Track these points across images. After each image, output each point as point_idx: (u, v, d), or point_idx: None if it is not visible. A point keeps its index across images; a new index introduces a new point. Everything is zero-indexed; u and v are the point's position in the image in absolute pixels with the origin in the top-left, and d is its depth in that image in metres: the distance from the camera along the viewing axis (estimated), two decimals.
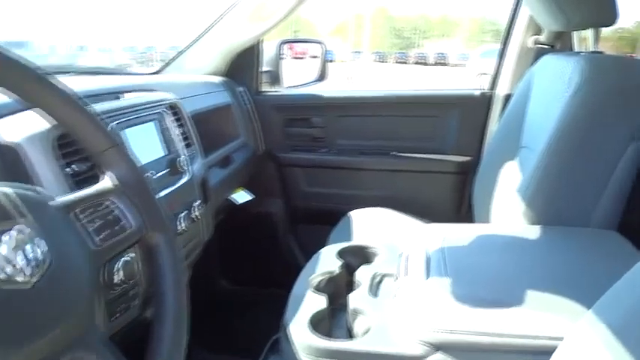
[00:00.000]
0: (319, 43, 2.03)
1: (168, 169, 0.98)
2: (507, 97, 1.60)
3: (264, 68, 1.83)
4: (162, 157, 0.98)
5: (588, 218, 1.04)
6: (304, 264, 1.94)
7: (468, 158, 1.70)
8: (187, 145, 1.10)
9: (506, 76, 1.64)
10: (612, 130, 1.02)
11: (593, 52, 1.17)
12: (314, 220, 1.87)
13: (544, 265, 0.88)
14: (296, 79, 1.99)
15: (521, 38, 1.58)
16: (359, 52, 24.10)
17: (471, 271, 0.88)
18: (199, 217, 1.04)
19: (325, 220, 1.78)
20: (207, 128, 1.49)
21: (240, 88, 1.72)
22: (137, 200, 0.58)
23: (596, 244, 0.97)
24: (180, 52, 1.70)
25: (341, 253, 1.11)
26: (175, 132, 1.04)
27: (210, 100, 1.49)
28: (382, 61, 30.85)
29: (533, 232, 1.01)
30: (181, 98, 1.23)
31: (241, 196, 1.52)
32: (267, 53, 1.81)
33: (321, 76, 1.98)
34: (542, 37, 1.52)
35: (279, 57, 1.83)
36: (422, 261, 0.93)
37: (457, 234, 1.02)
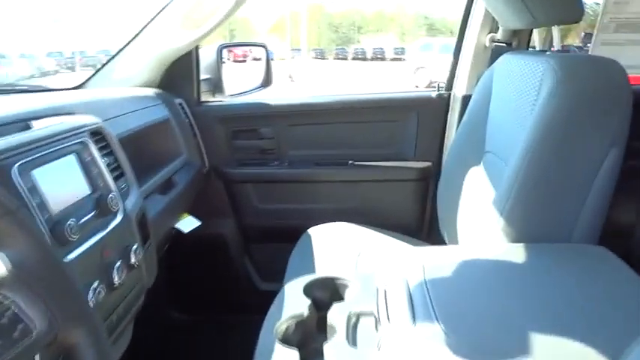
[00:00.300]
0: (262, 46, 1.88)
1: (95, 211, 0.81)
2: (466, 99, 1.52)
3: (204, 76, 1.66)
4: (87, 196, 0.80)
5: (570, 232, 0.97)
6: (262, 286, 1.81)
7: (428, 164, 1.62)
8: (118, 177, 0.93)
9: (464, 77, 1.56)
10: (591, 137, 0.95)
11: (560, 50, 1.10)
12: (270, 238, 1.73)
13: (543, 298, 0.79)
14: (239, 85, 1.84)
15: (477, 37, 1.51)
16: (298, 50, 23.96)
17: (462, 312, 0.77)
18: (139, 263, 0.88)
19: (282, 238, 1.65)
20: (142, 150, 1.31)
21: (178, 100, 1.54)
22: (42, 288, 0.42)
23: (588, 264, 0.89)
24: (107, 62, 1.51)
25: (307, 289, 0.98)
26: (101, 163, 0.87)
27: (144, 117, 1.31)
28: (322, 58, 30.85)
29: (519, 253, 0.92)
30: (108, 119, 1.06)
31: (188, 223, 1.35)
32: (206, 59, 1.64)
33: (267, 82, 1.84)
34: (499, 35, 1.45)
35: (219, 63, 1.67)
36: (404, 300, 0.81)
37: (437, 261, 0.91)
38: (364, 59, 30.68)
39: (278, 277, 1.48)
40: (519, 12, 1.09)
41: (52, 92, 1.31)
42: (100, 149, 0.91)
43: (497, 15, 1.25)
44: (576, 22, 1.07)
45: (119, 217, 0.86)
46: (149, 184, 1.18)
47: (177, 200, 1.31)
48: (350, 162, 1.63)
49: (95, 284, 0.74)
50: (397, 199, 1.63)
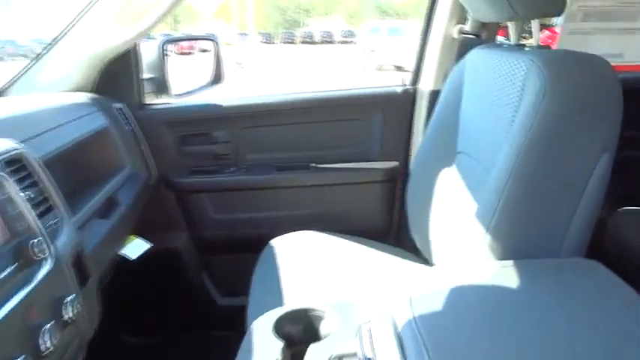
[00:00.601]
0: (211, 39, 1.71)
1: (15, 264, 0.65)
2: (433, 94, 1.43)
3: (146, 75, 1.48)
4: (2, 246, 0.65)
5: (560, 244, 0.89)
6: (221, 301, 1.68)
7: (395, 163, 1.52)
8: (44, 212, 0.77)
9: (430, 71, 1.47)
10: (582, 142, 0.87)
11: (540, 46, 1.02)
12: (228, 250, 1.59)
13: (543, 327, 0.70)
14: (186, 83, 1.67)
15: (444, 28, 1.41)
16: (245, 35, 23.37)
17: (457, 349, 0.68)
18: (75, 317, 0.73)
19: (242, 250, 1.52)
20: (77, 167, 1.14)
21: (118, 105, 1.37)
22: None
23: (587, 284, 0.82)
24: (31, 63, 1.31)
25: (278, 326, 0.86)
26: (21, 201, 0.71)
27: (78, 129, 1.14)
28: (269, 43, 30.28)
29: (511, 274, 0.83)
30: (30, 139, 0.89)
31: (136, 248, 1.19)
32: (148, 55, 1.46)
33: (218, 78, 1.68)
34: (467, 27, 1.36)
35: (162, 59, 1.49)
36: (391, 339, 0.71)
37: (423, 290, 0.81)
38: (313, 43, 30.40)
39: (238, 292, 1.36)
40: (496, 4, 1.00)
41: None
42: (19, 181, 0.74)
43: (469, 5, 1.15)
44: (557, 16, 0.99)
45: (48, 266, 0.70)
46: (86, 209, 1.02)
47: (121, 222, 1.15)
48: (312, 165, 1.52)
49: (19, 359, 0.59)
50: (363, 202, 1.54)
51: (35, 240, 0.69)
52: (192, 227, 1.56)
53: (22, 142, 0.87)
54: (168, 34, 1.90)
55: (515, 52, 1.00)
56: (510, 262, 0.88)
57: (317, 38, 31.53)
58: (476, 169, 1.06)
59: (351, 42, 25.37)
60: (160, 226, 1.54)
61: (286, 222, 1.52)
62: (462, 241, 0.99)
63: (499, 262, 0.90)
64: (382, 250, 1.31)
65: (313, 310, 0.90)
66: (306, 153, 1.53)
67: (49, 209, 0.79)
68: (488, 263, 0.89)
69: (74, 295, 0.74)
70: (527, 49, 1.03)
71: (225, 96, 1.54)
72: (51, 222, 0.77)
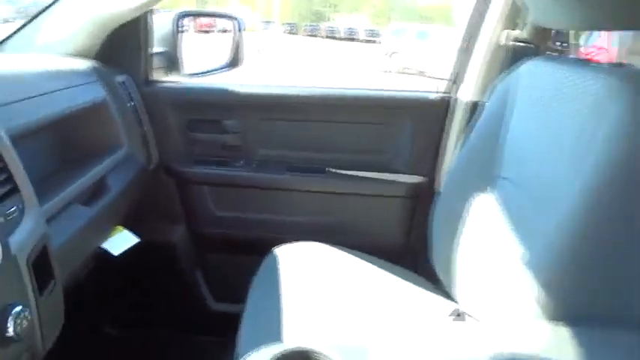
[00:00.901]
0: (232, 17, 1.57)
1: None
2: (473, 106, 1.27)
3: (157, 49, 1.34)
4: None
5: (631, 308, 0.73)
6: (214, 306, 1.53)
7: (420, 179, 1.37)
8: (3, 197, 0.63)
9: (471, 79, 1.31)
10: None
11: (615, 64, 0.86)
12: (227, 251, 1.45)
13: None
14: (201, 61, 1.53)
15: (493, 32, 1.25)
16: (269, 22, 23.18)
17: None
18: (22, 332, 0.59)
19: (242, 252, 1.38)
20: (64, 143, 1.01)
21: (121, 78, 1.23)
22: None
23: None
24: (30, 20, 1.17)
25: None
26: None
27: (70, 98, 1.00)
28: (293, 33, 30.04)
29: (572, 342, 0.68)
30: (3, 105, 0.75)
31: (121, 242, 1.05)
32: (161, 28, 1.32)
33: (236, 61, 1.53)
34: (523, 33, 1.20)
35: (177, 33, 1.35)
36: None
37: (456, 352, 0.66)
38: (336, 38, 30.14)
39: (233, 298, 1.23)
40: (573, 9, 0.84)
41: None
42: None
43: (534, 8, 0.99)
44: None
45: None
46: (66, 193, 0.88)
47: (107, 210, 1.01)
48: (328, 169, 1.37)
49: None
50: (381, 217, 1.39)
51: None
52: (190, 221, 1.42)
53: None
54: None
55: (584, 67, 0.84)
56: (564, 329, 0.72)
57: (341, 34, 31.26)
58: (524, 203, 0.90)
59: (375, 41, 25.13)
60: (155, 216, 1.40)
61: (293, 228, 1.37)
62: (497, 287, 0.84)
63: (556, 325, 0.74)
64: (398, 275, 1.16)
65: (317, 353, 0.75)
66: (322, 155, 1.38)
67: (9, 193, 0.64)
68: (539, 324, 0.74)
69: (23, 305, 0.59)
70: (605, 66, 0.86)
71: (242, 82, 1.39)
72: (10, 209, 0.63)
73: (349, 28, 32.48)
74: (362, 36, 31.13)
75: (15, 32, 1.17)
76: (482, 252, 0.95)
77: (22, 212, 0.65)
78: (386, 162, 1.38)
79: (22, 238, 0.63)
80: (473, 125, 1.12)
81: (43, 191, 0.83)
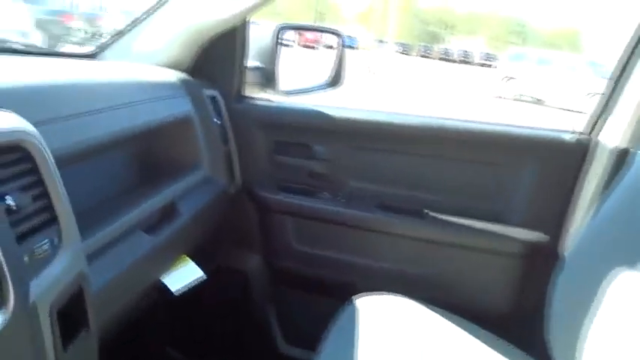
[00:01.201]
0: (335, 33, 1.44)
1: None
2: (621, 153, 1.01)
3: (253, 63, 1.25)
4: None
5: None
6: (284, 349, 1.40)
7: (541, 236, 1.12)
8: (37, 229, 0.53)
9: (621, 119, 1.05)
10: None
11: None
12: (304, 287, 1.31)
13: None
14: (299, 79, 1.42)
15: None
16: (383, 42, 23.18)
17: None
18: None
19: (320, 290, 1.24)
20: (140, 158, 0.94)
21: (211, 92, 1.14)
22: None
23: None
24: (128, 28, 1.13)
25: None
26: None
27: (154, 111, 0.93)
28: (406, 53, 29.79)
29: None
30: (101, 110, 0.69)
31: (184, 276, 0.94)
32: (258, 41, 1.22)
33: (336, 80, 1.40)
34: None
35: (276, 46, 1.24)
36: None
37: None
38: (449, 60, 29.43)
39: (306, 344, 1.09)
40: None
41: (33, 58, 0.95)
42: (17, 178, 0.52)
43: None
44: None
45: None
46: (131, 215, 0.79)
47: (175, 239, 0.91)
48: (427, 212, 1.17)
49: None
50: (485, 276, 1.16)
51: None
52: (267, 252, 1.30)
53: (63, 118, 0.66)
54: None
55: None
56: None
57: (455, 56, 30.50)
58: None
59: (490, 65, 24.13)
60: (230, 240, 1.30)
61: (380, 275, 1.20)
62: None
63: None
64: (499, 350, 0.94)
65: None
66: (421, 194, 1.19)
67: (45, 224, 0.55)
68: None
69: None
70: None
71: (338, 104, 1.25)
72: (40, 245, 0.53)
73: (464, 51, 31.66)
74: (477, 59, 30.17)
75: (114, 40, 1.14)
76: (618, 345, 0.71)
77: (55, 248, 0.56)
78: (498, 211, 1.16)
79: (49, 281, 0.53)
80: (620, 178, 0.88)
81: (101, 216, 0.74)
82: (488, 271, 1.15)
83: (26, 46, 1.07)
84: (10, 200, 0.50)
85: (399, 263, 1.19)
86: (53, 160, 0.57)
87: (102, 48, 1.14)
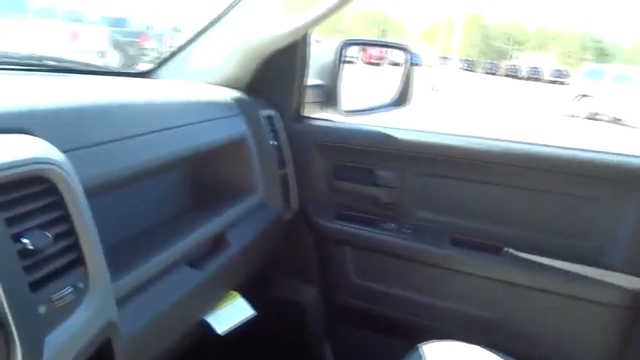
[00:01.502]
0: (402, 48, 1.33)
1: None
2: None
3: (313, 81, 1.16)
4: None
5: None
6: None
7: None
8: (60, 272, 0.46)
9: None
10: None
11: None
12: (363, 324, 1.19)
13: None
14: (362, 98, 1.32)
15: None
16: (447, 59, 22.73)
17: None
18: None
19: (381, 329, 1.12)
20: (190, 183, 0.87)
21: (268, 111, 1.07)
22: None
23: None
24: (182, 47, 1.09)
25: None
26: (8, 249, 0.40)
27: (207, 132, 0.86)
28: (470, 70, 29.05)
29: None
30: (147, 133, 0.63)
31: (231, 314, 0.85)
32: (319, 58, 1.14)
33: (402, 99, 1.29)
34: None
35: (339, 63, 1.15)
36: None
37: None
38: (517, 77, 28.40)
39: None
40: None
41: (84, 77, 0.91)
42: (38, 214, 0.45)
43: None
44: None
45: None
46: (176, 247, 0.71)
47: (223, 273, 0.83)
48: (506, 249, 1.02)
49: None
50: (577, 329, 0.99)
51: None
52: (325, 285, 1.20)
53: (103, 143, 0.60)
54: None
55: None
56: None
57: (523, 73, 29.41)
58: None
59: (561, 82, 23.01)
60: (286, 270, 1.21)
61: (449, 317, 1.06)
62: None
63: None
64: None
65: None
66: (500, 229, 1.04)
67: (70, 265, 0.48)
68: None
69: None
70: None
71: (406, 125, 1.14)
72: (62, 292, 0.46)
73: (533, 68, 30.52)
74: (546, 76, 28.94)
75: (169, 58, 1.10)
76: None
77: (80, 294, 0.48)
78: (592, 252, 0.99)
79: (70, 334, 0.46)
80: None
81: (140, 250, 0.67)
82: (581, 322, 0.98)
83: (79, 64, 1.04)
84: (26, 241, 0.43)
85: (473, 306, 1.05)
86: (83, 192, 0.50)
87: (157, 66, 1.10)
